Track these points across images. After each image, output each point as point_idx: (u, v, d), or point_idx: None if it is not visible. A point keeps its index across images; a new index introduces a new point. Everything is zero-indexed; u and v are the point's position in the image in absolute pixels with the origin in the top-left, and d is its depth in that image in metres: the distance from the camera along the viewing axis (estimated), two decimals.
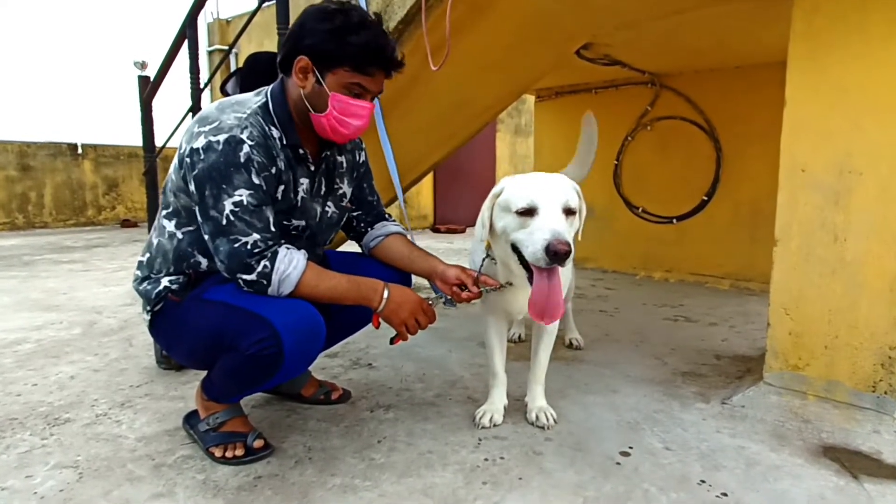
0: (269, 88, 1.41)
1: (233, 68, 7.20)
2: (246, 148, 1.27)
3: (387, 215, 1.75)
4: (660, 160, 4.07)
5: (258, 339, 1.27)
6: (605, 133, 4.28)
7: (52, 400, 1.83)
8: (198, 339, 1.38)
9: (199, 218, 1.32)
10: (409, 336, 1.50)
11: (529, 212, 1.35)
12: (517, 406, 1.74)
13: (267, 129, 1.34)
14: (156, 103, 3.79)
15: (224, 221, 1.27)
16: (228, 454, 1.42)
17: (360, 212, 1.70)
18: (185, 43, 3.38)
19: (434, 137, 3.23)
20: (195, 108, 3.44)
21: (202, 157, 1.27)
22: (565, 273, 1.69)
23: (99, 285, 3.81)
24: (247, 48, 7.44)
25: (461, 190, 8.48)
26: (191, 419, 1.56)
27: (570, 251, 1.27)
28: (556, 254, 1.26)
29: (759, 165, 3.58)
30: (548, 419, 1.64)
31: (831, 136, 1.65)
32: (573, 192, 1.41)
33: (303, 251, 1.38)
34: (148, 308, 1.43)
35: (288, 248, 1.34)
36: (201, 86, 3.42)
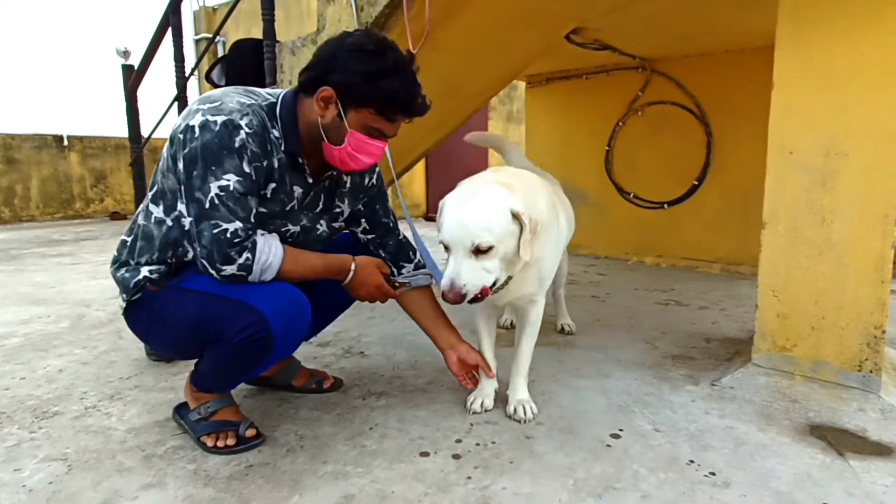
0: (282, 92, 1.39)
1: (220, 56, 7.11)
2: (242, 134, 1.24)
3: (410, 253, 1.70)
4: (651, 145, 4.07)
5: (245, 325, 1.26)
6: (597, 119, 4.31)
7: (41, 393, 1.82)
8: (179, 329, 1.36)
9: (183, 199, 1.29)
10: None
11: (446, 247, 1.38)
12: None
13: (269, 124, 1.33)
14: (141, 93, 3.73)
15: (208, 205, 1.23)
16: (220, 443, 1.42)
17: (374, 234, 1.66)
18: (169, 31, 3.33)
19: (424, 125, 3.19)
20: (181, 96, 3.40)
21: (196, 134, 1.23)
22: (558, 260, 1.69)
23: (88, 278, 3.78)
24: (235, 36, 7.34)
25: (453, 178, 8.36)
26: (181, 409, 1.55)
27: (458, 300, 1.33)
28: (448, 301, 1.35)
29: (750, 150, 3.59)
30: (526, 412, 1.60)
31: (818, 117, 1.65)
32: (486, 227, 1.32)
33: (274, 234, 1.36)
34: (125, 296, 1.39)
35: (262, 235, 1.32)
36: (187, 74, 3.37)
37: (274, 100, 1.37)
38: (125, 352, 2.22)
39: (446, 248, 1.38)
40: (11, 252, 5.08)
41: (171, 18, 3.28)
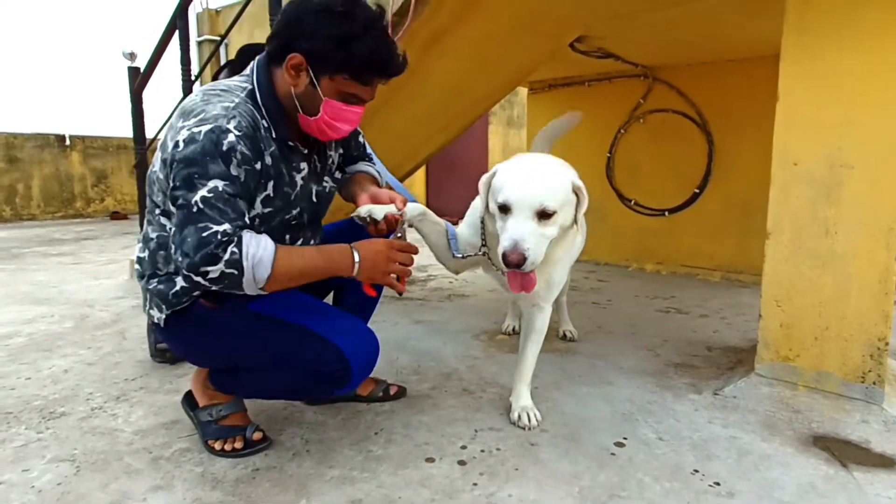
0: (254, 75, 1.31)
1: (223, 60, 7.12)
2: (231, 137, 1.17)
3: (366, 158, 1.66)
4: (652, 153, 4.08)
5: (328, 363, 1.28)
6: (598, 126, 4.33)
7: (47, 394, 1.82)
8: (248, 353, 1.36)
9: (172, 208, 1.21)
10: (403, 285, 1.38)
11: (505, 208, 1.37)
12: None
13: (257, 116, 1.27)
14: (145, 94, 3.75)
15: (195, 209, 1.14)
16: (227, 447, 1.43)
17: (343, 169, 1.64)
18: (176, 33, 3.35)
19: (428, 129, 3.23)
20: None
21: (180, 148, 1.17)
22: (568, 268, 1.70)
23: (89, 278, 3.78)
24: (237, 38, 7.35)
25: (454, 182, 8.46)
26: (190, 400, 1.56)
27: (520, 262, 1.30)
28: (507, 263, 1.32)
29: (751, 159, 3.61)
30: (530, 419, 1.61)
31: (823, 129, 1.66)
32: (553, 193, 1.35)
33: (263, 234, 1.24)
34: (164, 307, 1.33)
35: (248, 232, 1.19)
36: (192, 77, 3.38)
37: (250, 86, 1.29)
38: (130, 353, 2.22)
39: (504, 211, 1.37)
40: (13, 251, 5.08)
41: (179, 21, 3.29)
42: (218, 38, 9.02)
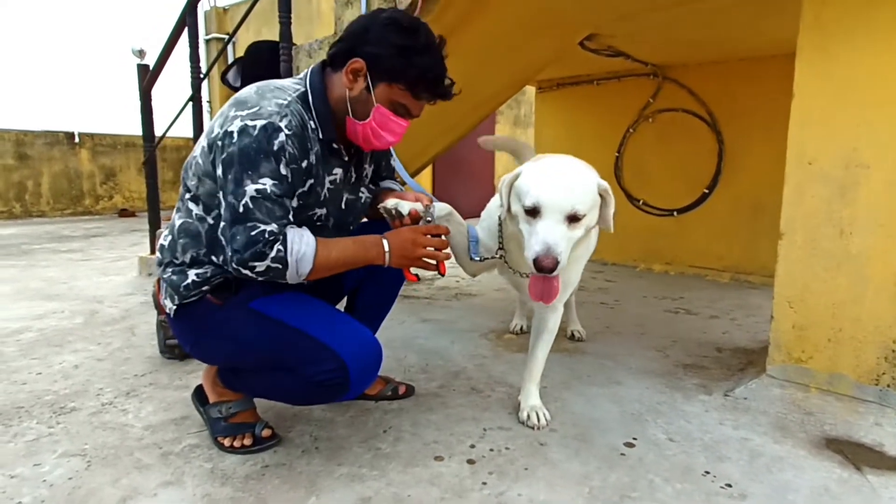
0: (308, 78, 1.36)
1: (231, 58, 7.14)
2: (282, 136, 1.22)
3: (394, 179, 1.71)
4: (661, 153, 4.06)
5: (326, 369, 1.27)
6: (607, 125, 4.31)
7: (58, 388, 1.83)
8: (245, 353, 1.36)
9: (220, 202, 1.27)
10: (437, 266, 1.42)
11: (533, 211, 1.35)
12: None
13: (306, 117, 1.31)
14: (154, 92, 3.76)
15: (242, 208, 1.20)
16: (237, 444, 1.43)
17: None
18: (185, 31, 3.36)
19: (435, 129, 3.22)
20: (195, 97, 3.42)
21: (234, 139, 1.21)
22: (582, 268, 1.70)
23: (99, 275, 3.80)
24: (244, 36, 7.37)
25: (460, 182, 8.46)
26: (200, 396, 1.56)
27: (553, 267, 1.29)
28: (540, 268, 1.30)
29: (761, 158, 3.58)
30: (539, 419, 1.60)
31: (839, 129, 1.65)
32: (583, 196, 1.34)
33: (304, 227, 1.31)
34: (176, 299, 1.35)
35: (292, 228, 1.26)
36: (201, 75, 3.39)
37: (303, 88, 1.35)
38: (139, 349, 2.23)
39: (531, 213, 1.35)
40: (23, 247, 5.12)
41: (188, 19, 3.30)
42: (226, 37, 9.06)
